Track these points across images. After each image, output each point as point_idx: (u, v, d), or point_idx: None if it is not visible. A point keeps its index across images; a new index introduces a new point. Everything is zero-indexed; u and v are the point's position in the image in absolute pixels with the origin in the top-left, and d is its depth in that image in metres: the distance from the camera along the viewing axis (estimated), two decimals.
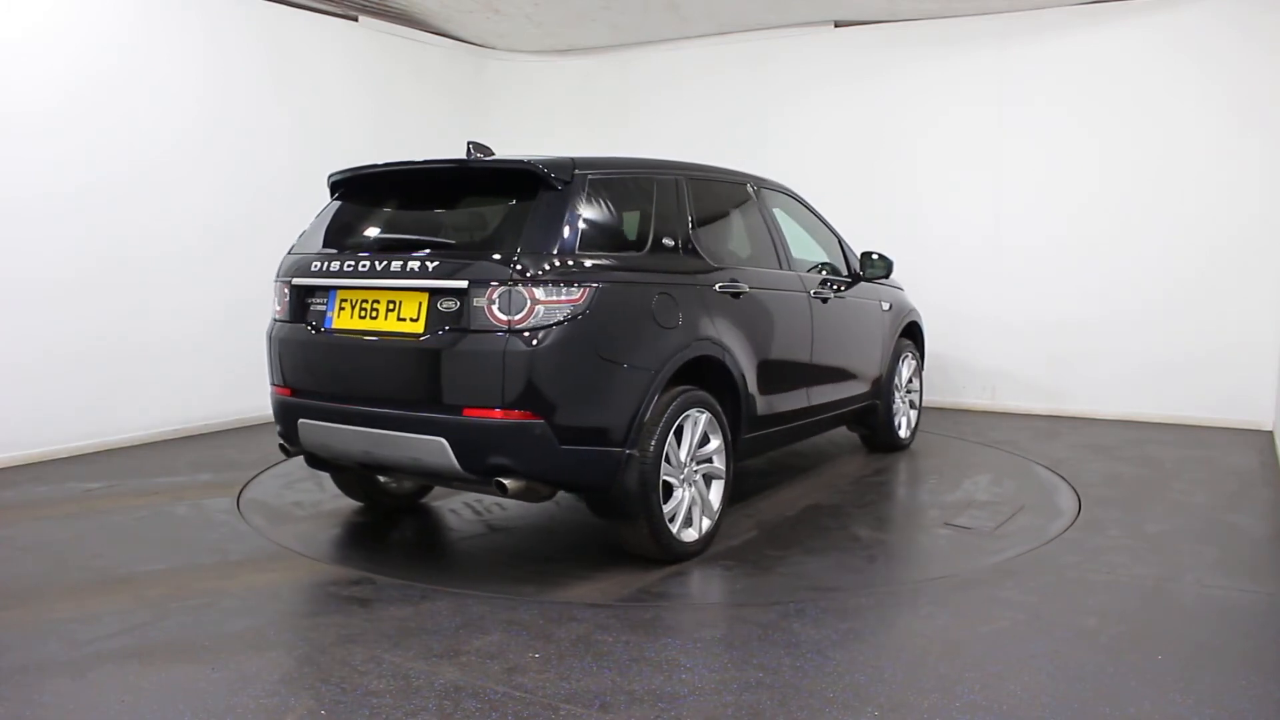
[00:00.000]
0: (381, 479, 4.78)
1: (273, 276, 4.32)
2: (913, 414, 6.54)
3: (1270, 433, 6.89)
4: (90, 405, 6.10)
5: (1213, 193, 7.11)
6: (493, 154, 4.21)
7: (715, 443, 4.23)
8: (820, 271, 5.53)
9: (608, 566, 4.01)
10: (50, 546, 4.29)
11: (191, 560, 4.11)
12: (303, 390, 4.13)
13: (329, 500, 5.02)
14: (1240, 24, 6.96)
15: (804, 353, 5.09)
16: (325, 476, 5.06)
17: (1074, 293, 7.58)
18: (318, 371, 4.09)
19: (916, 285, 7.18)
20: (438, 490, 5.10)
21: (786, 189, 5.61)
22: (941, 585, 3.89)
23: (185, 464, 5.84)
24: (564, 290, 3.62)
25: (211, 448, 6.31)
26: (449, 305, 3.67)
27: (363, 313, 3.91)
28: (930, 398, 7.56)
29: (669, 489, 3.98)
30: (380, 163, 4.29)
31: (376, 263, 3.84)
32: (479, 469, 3.66)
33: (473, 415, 3.61)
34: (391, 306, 3.83)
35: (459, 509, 4.98)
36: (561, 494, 4.08)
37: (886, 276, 5.90)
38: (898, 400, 6.28)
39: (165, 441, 6.45)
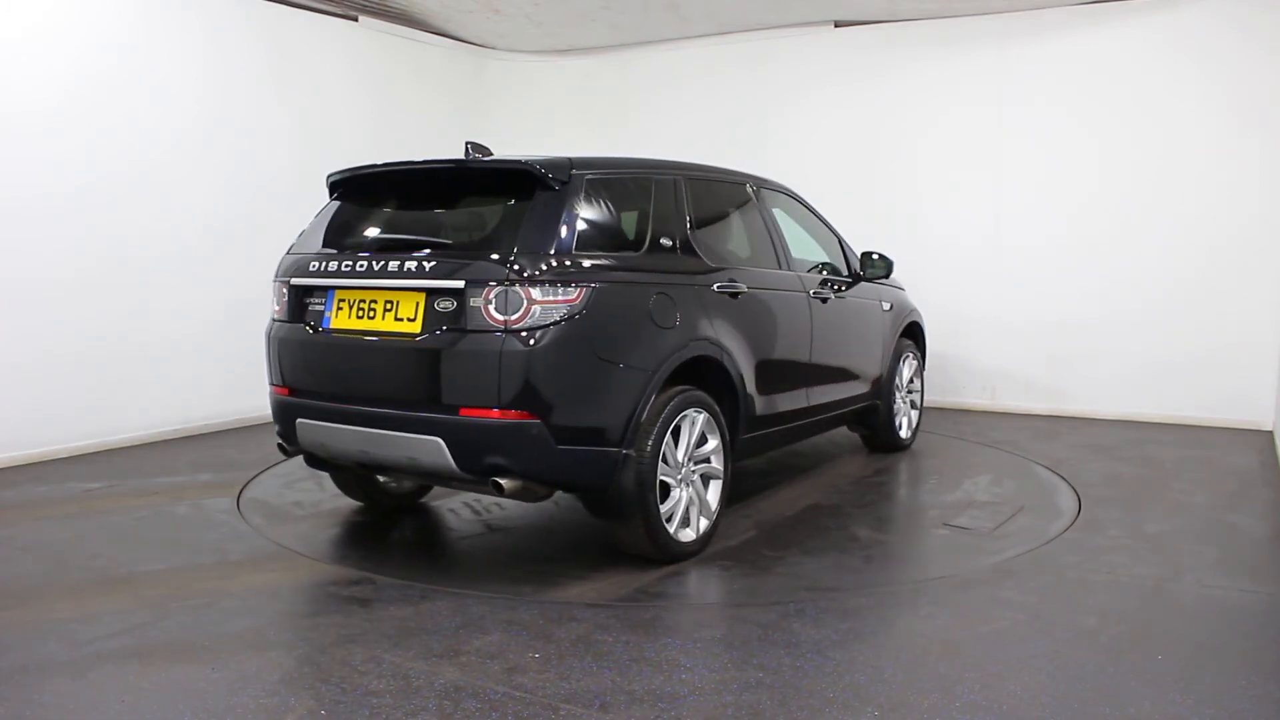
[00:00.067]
0: (381, 479, 4.78)
1: (272, 276, 4.32)
2: (914, 414, 6.54)
3: (1270, 433, 6.89)
4: (90, 405, 6.10)
5: (1213, 193, 7.11)
6: (491, 154, 4.21)
7: (713, 443, 4.23)
8: (820, 271, 5.52)
9: (607, 566, 4.01)
10: (50, 546, 4.29)
11: (191, 560, 4.11)
12: (301, 390, 4.13)
13: (329, 500, 5.03)
14: (1240, 24, 6.95)
15: (803, 353, 5.08)
16: (325, 476, 5.06)
17: (1074, 293, 7.58)
18: (316, 371, 4.09)
19: (916, 285, 7.18)
20: (437, 490, 5.10)
21: (786, 189, 5.60)
22: (941, 585, 3.89)
23: (185, 464, 5.85)
24: (561, 290, 3.62)
25: (211, 448, 6.31)
26: (446, 305, 3.67)
27: (360, 313, 3.91)
28: (930, 398, 7.55)
29: (666, 489, 3.97)
30: (379, 163, 4.29)
31: (374, 263, 3.84)
32: (476, 469, 3.66)
33: (469, 415, 3.61)
34: (389, 306, 3.83)
35: (458, 509, 4.98)
36: (560, 494, 4.08)
37: (887, 276, 5.89)
38: (898, 400, 6.27)
39: (165, 441, 6.45)
